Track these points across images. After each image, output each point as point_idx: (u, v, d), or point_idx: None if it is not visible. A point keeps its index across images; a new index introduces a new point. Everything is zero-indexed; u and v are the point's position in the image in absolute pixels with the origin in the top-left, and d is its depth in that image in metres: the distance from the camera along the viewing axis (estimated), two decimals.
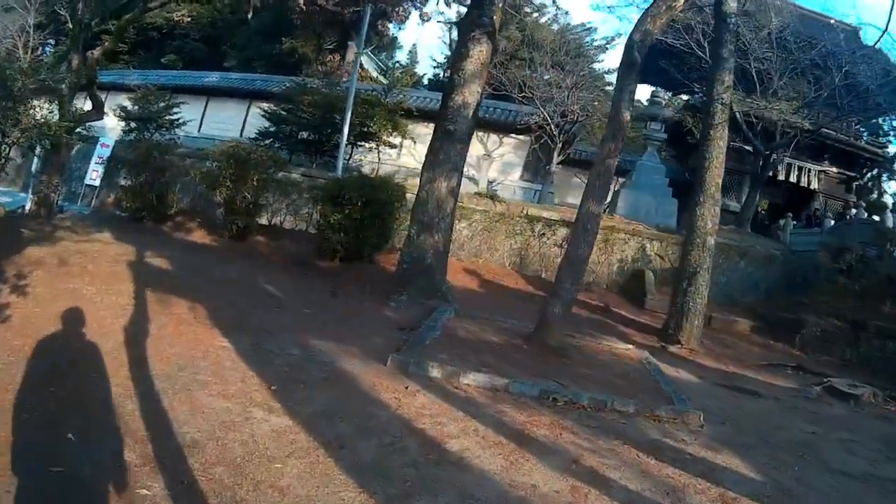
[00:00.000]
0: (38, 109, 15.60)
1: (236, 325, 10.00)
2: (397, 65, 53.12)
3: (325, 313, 11.88)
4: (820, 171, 29.96)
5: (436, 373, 8.60)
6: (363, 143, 25.72)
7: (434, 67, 54.88)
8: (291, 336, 9.91)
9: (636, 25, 12.47)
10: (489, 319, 13.12)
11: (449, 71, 15.14)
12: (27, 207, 17.88)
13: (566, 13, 44.40)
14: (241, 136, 28.37)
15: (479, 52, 13.93)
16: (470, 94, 14.00)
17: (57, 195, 18.19)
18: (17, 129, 14.82)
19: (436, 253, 14.21)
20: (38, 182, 17.92)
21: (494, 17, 14.10)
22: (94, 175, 21.52)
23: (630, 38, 12.38)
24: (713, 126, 15.71)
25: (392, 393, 7.76)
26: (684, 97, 32.05)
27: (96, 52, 18.43)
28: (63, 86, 17.18)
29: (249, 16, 41.24)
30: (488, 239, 20.38)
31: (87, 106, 19.39)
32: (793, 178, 29.33)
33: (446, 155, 14.09)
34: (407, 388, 7.98)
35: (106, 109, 19.87)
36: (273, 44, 41.06)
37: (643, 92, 33.63)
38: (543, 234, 20.67)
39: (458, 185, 14.57)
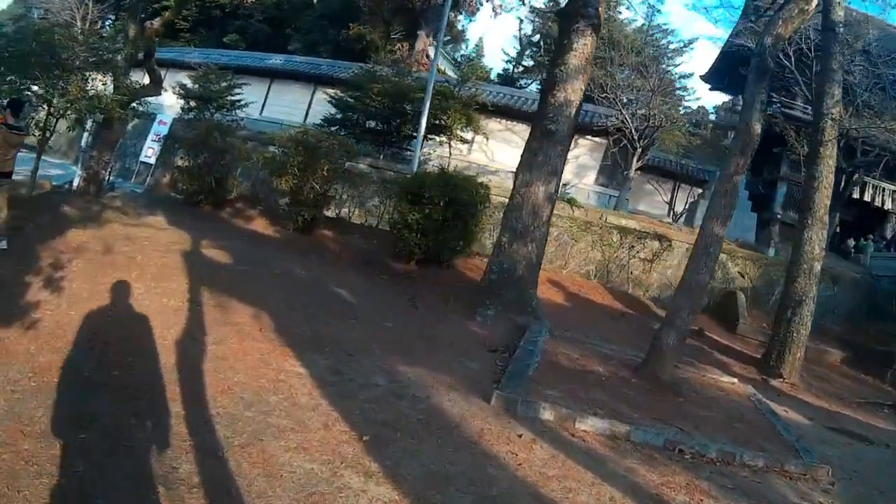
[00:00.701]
0: (91, 81, 14.38)
1: (309, 341, 8.57)
2: (465, 58, 51.52)
3: (406, 327, 10.50)
4: (895, 192, 27.92)
5: (548, 415, 7.63)
6: (433, 137, 24.16)
7: (505, 62, 52.94)
8: (374, 359, 8.49)
9: (766, 29, 11.65)
10: (586, 343, 11.91)
11: (548, 66, 13.67)
12: (75, 183, 16.52)
13: (657, 11, 42.27)
14: (304, 121, 27.36)
15: (584, 45, 12.73)
16: (573, 91, 12.78)
17: (108, 172, 16.94)
18: (64, 99, 13.48)
19: (528, 264, 12.94)
20: (88, 157, 16.52)
21: (599, 8, 13.00)
22: (150, 153, 20.84)
23: (761, 44, 11.48)
24: (822, 143, 14.63)
25: (505, 444, 6.63)
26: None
27: (155, 23, 17.13)
28: (118, 57, 15.63)
29: (314, 0, 40.51)
30: (566, 246, 18.99)
31: (146, 81, 17.76)
32: (867, 198, 27.66)
33: (545, 156, 12.81)
34: (521, 436, 6.89)
35: (165, 86, 18.38)
36: (339, 29, 39.76)
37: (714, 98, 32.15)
38: (631, 245, 19.18)
39: (556, 190, 13.41)
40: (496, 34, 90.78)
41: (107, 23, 30.81)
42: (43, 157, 14.78)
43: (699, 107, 42.55)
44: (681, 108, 32.73)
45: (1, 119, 10.20)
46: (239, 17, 43.81)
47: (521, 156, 13.18)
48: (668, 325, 10.88)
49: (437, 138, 24.40)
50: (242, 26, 43.93)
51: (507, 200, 13.66)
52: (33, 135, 13.98)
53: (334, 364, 7.93)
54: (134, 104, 16.15)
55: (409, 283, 13.29)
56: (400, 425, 6.56)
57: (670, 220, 25.24)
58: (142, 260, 10.52)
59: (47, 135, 14.12)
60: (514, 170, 13.31)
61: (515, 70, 50.96)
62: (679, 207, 27.83)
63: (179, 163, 17.70)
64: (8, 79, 12.86)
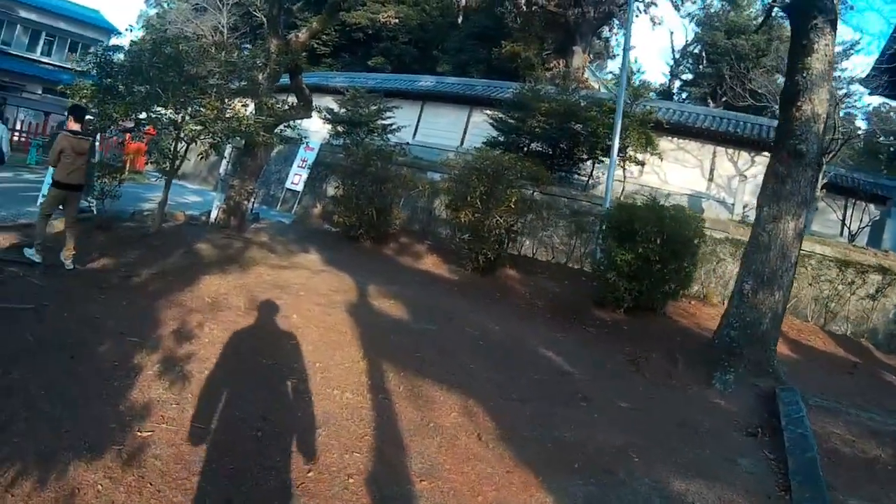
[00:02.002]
0: (228, 101, 12.60)
1: (548, 453, 6.21)
2: (623, 73, 48.37)
3: (648, 409, 8.11)
4: None
5: None
6: (603, 159, 21.44)
7: (666, 76, 49.73)
8: (639, 474, 6.06)
9: None
10: (843, 412, 9.21)
11: (787, 72, 11.05)
12: (213, 215, 14.67)
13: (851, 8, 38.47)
14: (461, 144, 26.34)
15: (825, 45, 10.51)
16: (819, 103, 10.46)
17: (251, 203, 15.07)
18: (195, 121, 11.67)
19: (773, 316, 10.43)
20: (228, 187, 14.53)
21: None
22: (297, 179, 19.83)
23: None
24: None
25: None
26: None
27: (301, 35, 15.03)
28: (260, 75, 13.56)
29: (459, 20, 38.99)
30: None
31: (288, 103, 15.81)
32: None
33: (794, 184, 10.40)
34: None
35: None
36: (489, 48, 37.84)
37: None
38: (851, 280, 15.88)
39: (805, 225, 10.97)
40: (645, 48, 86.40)
41: (244, 50, 29.82)
42: (178, 182, 12.82)
43: (845, 113, 38.61)
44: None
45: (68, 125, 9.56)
46: (382, 40, 42.61)
47: (764, 184, 10.84)
48: None
49: (608, 160, 21.76)
50: (387, 48, 42.80)
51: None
52: (162, 164, 12.43)
53: (598, 493, 5.56)
54: (281, 128, 14.37)
55: (623, 338, 10.94)
56: None
57: (845, 240, 21.81)
58: (298, 321, 8.46)
59: (177, 163, 12.33)
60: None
61: (673, 83, 47.46)
62: (853, 226, 24.44)
63: (332, 191, 16.48)
64: (126, 99, 11.11)
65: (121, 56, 12.02)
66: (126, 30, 14.73)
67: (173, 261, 10.37)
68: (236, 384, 6.27)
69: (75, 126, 9.49)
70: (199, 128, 11.65)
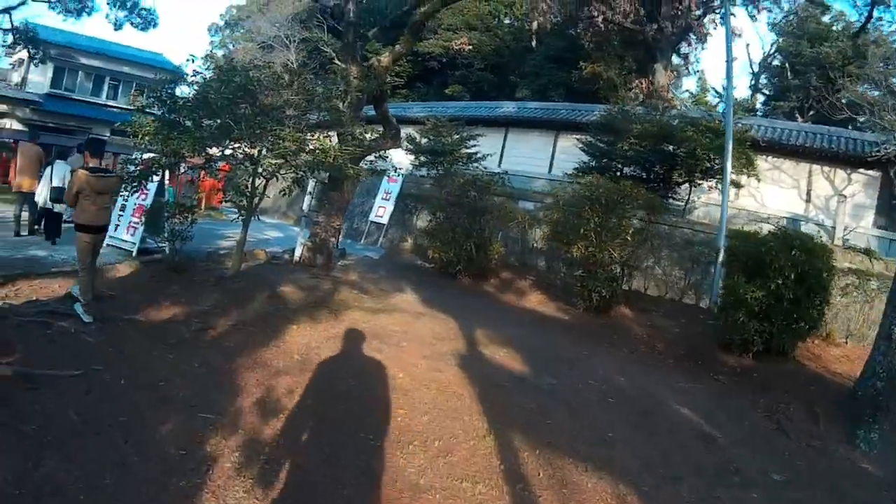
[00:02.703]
0: (309, 132, 11.54)
1: None
2: (692, 92, 46.55)
3: (807, 485, 6.94)
4: None
5: None
6: (700, 182, 20.34)
7: (751, 89, 47.26)
8: None
9: None
10: None
11: None
12: (297, 253, 13.58)
13: None
14: (549, 171, 25.53)
15: None
16: None
17: (338, 239, 14.04)
18: (274, 154, 10.52)
19: None
20: (313, 223, 13.59)
21: None
22: (381, 212, 19.23)
23: None
24: None
25: None
26: None
27: (384, 59, 13.89)
28: (341, 104, 12.30)
29: (533, 44, 38.05)
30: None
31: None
32: None
33: None
34: None
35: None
36: (568, 69, 36.77)
37: None
38: None
39: None
40: (718, 62, 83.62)
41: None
42: (256, 218, 12.20)
43: None
44: None
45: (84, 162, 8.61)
46: (458, 67, 41.86)
47: None
48: None
49: (705, 183, 20.61)
50: (464, 76, 42.05)
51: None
52: (239, 201, 11.26)
53: None
54: (371, 159, 13.46)
55: (754, 388, 9.73)
56: None
57: None
58: (405, 381, 7.34)
59: (256, 200, 11.21)
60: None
61: (755, 99, 45.12)
62: None
63: (421, 224, 15.94)
64: (194, 134, 10.04)
65: (184, 89, 11.04)
66: (187, 60, 13.50)
67: (255, 307, 9.28)
68: (339, 480, 5.10)
69: (93, 162, 8.49)
70: (279, 161, 10.54)
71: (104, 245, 11.90)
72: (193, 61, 11.37)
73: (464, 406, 6.91)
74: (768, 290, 10.33)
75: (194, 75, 10.88)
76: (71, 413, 5.24)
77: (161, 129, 10.06)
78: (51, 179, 12.32)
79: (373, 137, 13.19)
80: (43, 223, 12.67)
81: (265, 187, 11.29)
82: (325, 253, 13.01)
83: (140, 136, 10.09)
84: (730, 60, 16.89)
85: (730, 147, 15.23)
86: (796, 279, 10.29)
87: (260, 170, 10.79)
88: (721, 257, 13.07)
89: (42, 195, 12.58)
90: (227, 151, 10.93)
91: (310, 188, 13.04)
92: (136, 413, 5.46)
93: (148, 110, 11.00)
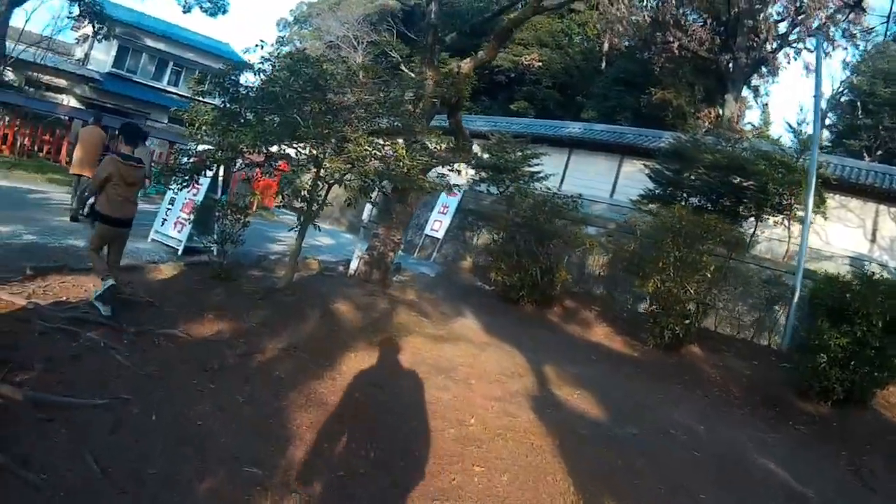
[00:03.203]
0: (384, 139, 10.46)
1: None
2: (754, 124, 45.39)
3: None
4: None
5: None
6: (766, 217, 19.51)
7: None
8: None
9: None
10: None
11: None
12: (353, 266, 12.72)
13: None
14: (611, 196, 25.46)
15: None
16: None
17: (396, 254, 13.01)
18: (341, 160, 9.45)
19: None
20: (372, 236, 12.54)
21: None
22: (437, 226, 18.70)
23: None
24: None
25: None
26: None
27: (465, 65, 12.99)
28: (413, 110, 11.49)
29: (603, 65, 37.30)
30: None
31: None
32: None
33: None
34: None
35: None
36: (637, 94, 36.24)
37: None
38: None
39: None
40: (783, 98, 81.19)
41: None
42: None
43: None
44: None
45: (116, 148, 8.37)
46: (525, 83, 41.23)
47: None
48: None
49: (771, 219, 19.68)
50: (530, 92, 41.34)
51: None
52: (298, 205, 10.64)
53: None
54: (443, 171, 12.52)
55: (836, 439, 9.14)
56: None
57: None
58: (477, 430, 6.61)
59: (315, 207, 10.11)
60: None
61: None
62: None
63: (480, 241, 15.78)
64: (256, 128, 9.03)
65: (249, 78, 10.16)
66: (256, 46, 12.45)
67: (308, 328, 8.36)
68: None
69: (126, 149, 7.94)
70: (346, 167, 9.51)
71: (149, 239, 11.17)
72: (262, 47, 10.50)
73: (545, 462, 6.10)
74: (854, 337, 9.78)
75: (262, 62, 9.96)
76: (89, 458, 4.27)
77: (220, 120, 9.25)
78: None
79: (444, 148, 12.23)
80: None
81: (327, 193, 10.31)
82: (383, 268, 12.10)
83: (196, 126, 9.26)
84: (818, 96, 16.22)
85: (813, 184, 14.74)
86: (884, 326, 9.71)
87: (323, 173, 9.82)
88: (796, 297, 12.80)
89: None
90: (289, 150, 10.00)
91: (373, 197, 12.10)
92: (170, 463, 4.50)
93: (207, 99, 10.16)
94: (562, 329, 12.53)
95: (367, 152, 9.36)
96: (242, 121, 9.45)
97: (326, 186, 10.13)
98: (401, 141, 11.27)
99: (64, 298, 7.20)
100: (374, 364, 7.67)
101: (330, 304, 9.44)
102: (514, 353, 9.63)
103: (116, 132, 9.01)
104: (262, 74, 9.88)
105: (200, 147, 9.79)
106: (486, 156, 21.62)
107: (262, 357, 6.99)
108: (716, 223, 12.37)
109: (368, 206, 12.96)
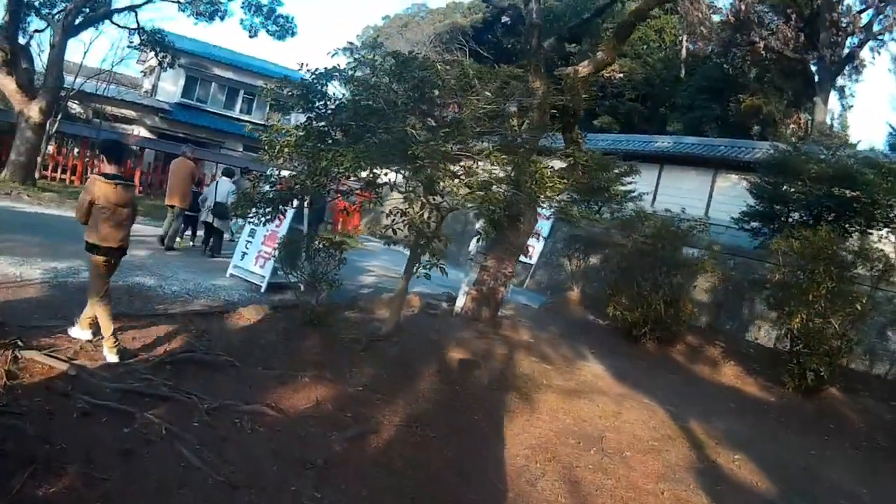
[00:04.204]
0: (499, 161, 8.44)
1: None
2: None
3: None
4: None
5: None
6: (869, 231, 17.65)
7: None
8: None
9: None
10: None
11: None
12: (460, 302, 11.15)
13: None
14: (706, 213, 23.11)
15: None
16: None
17: (508, 288, 11.74)
18: (461, 182, 7.77)
19: None
20: (481, 268, 10.94)
21: None
22: (530, 251, 16.87)
23: None
24: None
25: None
26: None
27: (582, 69, 11.36)
28: (517, 125, 9.73)
29: (682, 73, 35.77)
30: None
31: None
32: None
33: None
34: None
35: None
36: (723, 102, 34.61)
37: None
38: None
39: None
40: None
41: None
42: (394, 247, 9.81)
43: None
44: None
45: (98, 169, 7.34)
46: (607, 97, 39.35)
47: None
48: None
49: (875, 233, 17.96)
50: (613, 106, 39.57)
51: None
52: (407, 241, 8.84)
53: None
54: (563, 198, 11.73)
55: None
56: None
57: None
58: None
59: (427, 240, 8.46)
60: None
61: None
62: None
63: (582, 268, 14.86)
64: (353, 149, 7.21)
65: (334, 85, 8.56)
66: (331, 54, 10.58)
67: (425, 390, 6.96)
68: None
69: (110, 168, 6.62)
70: (478, 192, 7.67)
71: (227, 275, 9.94)
72: (336, 55, 8.91)
73: None
74: None
75: (356, 65, 8.37)
76: None
77: (305, 141, 7.73)
78: (215, 195, 11.97)
79: (557, 168, 10.55)
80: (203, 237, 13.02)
81: (441, 223, 8.59)
82: (493, 305, 10.66)
83: (277, 150, 7.77)
84: None
85: None
86: None
87: (438, 200, 8.15)
88: None
89: (205, 210, 12.58)
90: (390, 174, 8.36)
91: (478, 225, 10.44)
92: None
93: (280, 120, 8.64)
94: (689, 370, 11.45)
95: (492, 174, 7.88)
96: (332, 140, 7.94)
97: (440, 216, 8.50)
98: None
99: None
100: (511, 439, 6.32)
101: (443, 354, 8.10)
102: (655, 408, 8.55)
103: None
104: (351, 85, 8.24)
105: (284, 173, 8.40)
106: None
107: (377, 440, 5.56)
108: (874, 249, 11.41)
109: (477, 238, 11.44)
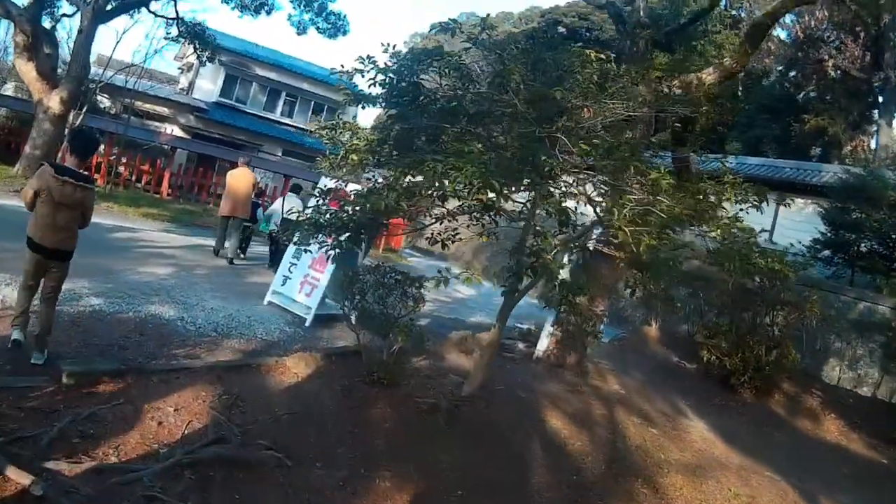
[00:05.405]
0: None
1: None
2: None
3: None
4: None
5: None
6: None
7: None
8: None
9: None
10: None
11: None
12: (542, 345, 9.60)
13: None
14: (770, 240, 21.29)
15: None
16: None
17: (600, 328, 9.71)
18: (554, 203, 5.64)
19: None
20: (569, 307, 8.67)
21: None
22: None
23: None
24: None
25: None
26: None
27: (707, 76, 9.95)
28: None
29: (739, 91, 34.75)
30: None
31: None
32: None
33: None
34: None
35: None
36: (784, 122, 33.58)
37: None
38: None
39: None
40: None
41: None
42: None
43: None
44: None
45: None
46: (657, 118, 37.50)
47: None
48: None
49: None
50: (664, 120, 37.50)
51: None
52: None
53: None
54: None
55: None
56: None
57: None
58: None
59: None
60: None
61: None
62: None
63: (657, 303, 12.44)
64: (484, 163, 5.08)
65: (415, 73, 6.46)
66: (383, 49, 8.90)
67: (540, 487, 5.43)
68: None
69: (70, 161, 5.73)
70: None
71: (265, 302, 8.50)
72: (387, 51, 6.90)
73: None
74: None
75: (473, 42, 6.48)
76: None
77: (381, 146, 6.10)
78: (282, 210, 11.48)
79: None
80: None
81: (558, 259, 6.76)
82: (580, 349, 9.13)
83: (345, 155, 6.15)
84: None
85: None
86: None
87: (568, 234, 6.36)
88: None
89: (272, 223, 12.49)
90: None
91: (565, 258, 8.72)
92: None
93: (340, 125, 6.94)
94: (791, 425, 10.52)
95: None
96: (414, 148, 6.11)
97: (563, 253, 6.97)
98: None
99: (118, 448, 4.12)
100: None
101: (542, 422, 6.58)
102: (782, 483, 7.64)
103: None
104: (451, 70, 6.30)
105: (350, 187, 6.79)
106: None
107: None
108: None
109: (566, 269, 9.73)
